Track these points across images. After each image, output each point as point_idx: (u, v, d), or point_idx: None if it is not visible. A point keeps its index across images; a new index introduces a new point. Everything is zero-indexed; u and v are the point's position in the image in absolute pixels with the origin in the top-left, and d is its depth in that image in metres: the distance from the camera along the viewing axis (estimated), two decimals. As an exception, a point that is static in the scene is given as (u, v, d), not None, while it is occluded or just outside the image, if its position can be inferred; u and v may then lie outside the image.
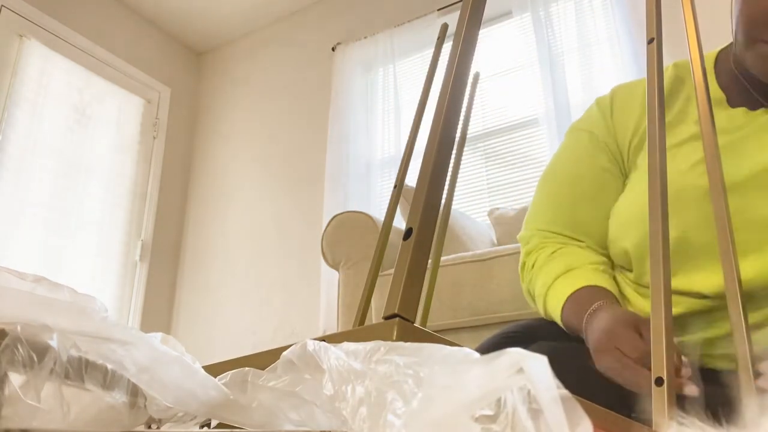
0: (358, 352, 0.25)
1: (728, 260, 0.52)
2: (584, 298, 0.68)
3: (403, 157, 0.86)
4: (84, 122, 2.95)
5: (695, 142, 0.71)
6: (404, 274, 0.24)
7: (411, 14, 2.85)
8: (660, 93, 0.55)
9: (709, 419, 0.38)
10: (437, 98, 0.30)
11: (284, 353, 0.27)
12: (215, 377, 0.34)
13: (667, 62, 0.73)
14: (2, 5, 2.72)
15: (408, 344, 0.25)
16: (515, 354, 0.20)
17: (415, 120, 0.86)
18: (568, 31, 2.41)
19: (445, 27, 0.94)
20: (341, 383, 0.24)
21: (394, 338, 0.24)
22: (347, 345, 0.26)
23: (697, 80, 0.62)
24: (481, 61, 2.74)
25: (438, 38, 0.90)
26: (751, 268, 0.62)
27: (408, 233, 0.25)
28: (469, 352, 0.22)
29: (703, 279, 0.66)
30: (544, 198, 0.83)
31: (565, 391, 0.19)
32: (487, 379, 0.20)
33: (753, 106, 0.71)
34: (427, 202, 0.26)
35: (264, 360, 0.33)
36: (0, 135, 2.57)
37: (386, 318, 0.24)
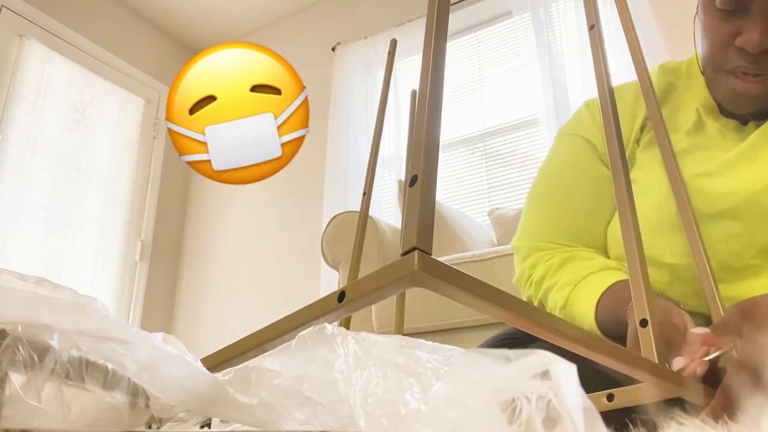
0: (378, 343, 0.25)
1: (710, 289, 0.54)
2: (623, 291, 0.64)
3: (368, 166, 0.87)
4: (84, 122, 2.95)
5: (684, 156, 0.68)
6: (417, 213, 0.25)
7: (411, 14, 2.85)
8: (607, 79, 0.56)
9: (709, 419, 0.39)
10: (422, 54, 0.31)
11: (300, 333, 0.27)
12: (226, 361, 0.34)
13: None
14: (2, 5, 2.72)
15: (430, 342, 0.25)
16: (544, 356, 0.20)
17: (376, 131, 0.87)
18: (568, 31, 2.41)
19: (394, 42, 0.94)
20: (356, 367, 0.24)
21: (416, 268, 0.24)
22: (366, 334, 0.26)
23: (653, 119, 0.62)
24: (481, 61, 2.74)
25: (389, 53, 0.90)
26: (758, 290, 0.61)
27: (413, 180, 0.26)
28: (497, 353, 0.22)
29: (700, 304, 0.65)
30: (541, 208, 0.80)
31: (588, 402, 0.19)
32: (512, 374, 0.20)
33: (744, 120, 0.69)
34: (426, 151, 0.27)
35: (269, 333, 0.33)
36: (0, 135, 2.57)
37: (404, 253, 0.24)
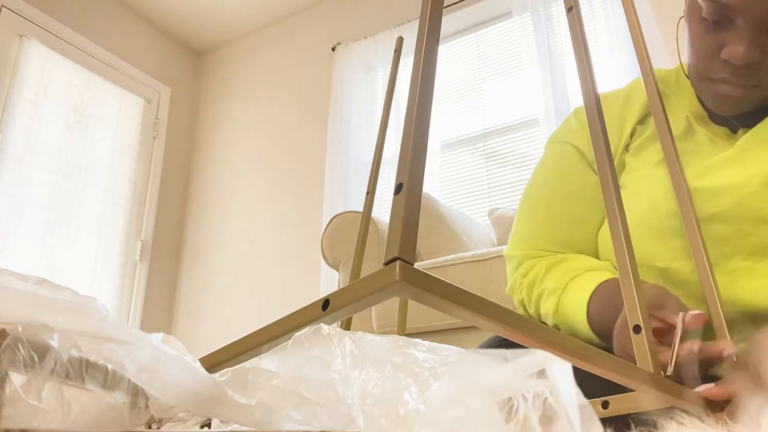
0: (375, 343, 0.25)
1: (711, 291, 0.54)
2: (612, 289, 0.64)
3: (372, 166, 0.87)
4: (84, 122, 2.95)
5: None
6: (400, 223, 0.25)
7: (411, 14, 2.85)
8: (588, 61, 0.56)
9: (709, 419, 0.39)
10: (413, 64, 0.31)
11: (296, 334, 0.27)
12: (216, 365, 0.34)
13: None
14: (2, 5, 2.72)
15: (427, 342, 0.25)
16: (540, 355, 0.20)
17: (380, 131, 0.87)
18: (568, 31, 2.40)
19: (400, 40, 0.94)
20: (354, 368, 0.24)
21: (397, 278, 0.24)
22: (362, 334, 0.26)
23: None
24: (481, 61, 2.74)
25: (395, 51, 0.90)
26: (750, 292, 0.61)
27: (399, 188, 0.26)
28: (493, 353, 0.22)
29: (694, 307, 0.64)
30: (532, 216, 0.79)
31: (584, 400, 0.19)
32: (509, 373, 0.20)
33: (734, 128, 0.69)
34: (413, 159, 0.27)
35: (262, 337, 0.33)
36: (0, 135, 2.57)
37: (387, 263, 0.25)
